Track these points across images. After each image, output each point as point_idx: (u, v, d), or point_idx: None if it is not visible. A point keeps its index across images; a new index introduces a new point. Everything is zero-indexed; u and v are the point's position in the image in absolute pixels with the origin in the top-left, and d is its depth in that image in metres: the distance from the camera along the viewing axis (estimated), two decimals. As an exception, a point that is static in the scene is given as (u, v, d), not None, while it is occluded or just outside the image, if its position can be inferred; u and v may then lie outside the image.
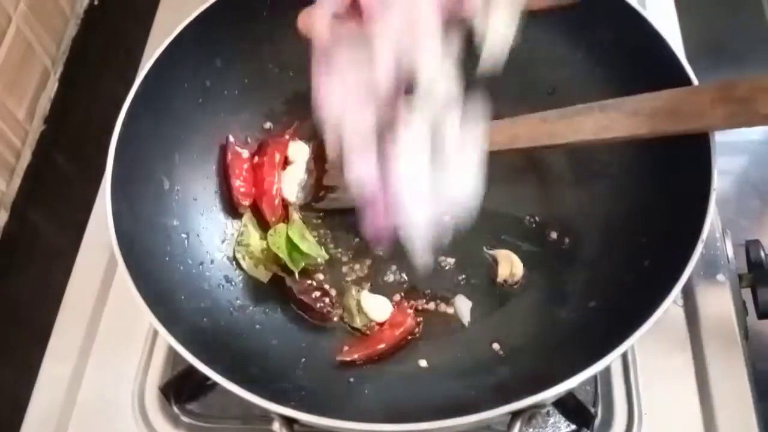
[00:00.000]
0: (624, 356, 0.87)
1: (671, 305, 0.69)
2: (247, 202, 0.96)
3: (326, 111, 0.71)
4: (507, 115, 1.01)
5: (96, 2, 1.33)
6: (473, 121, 0.75)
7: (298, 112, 1.01)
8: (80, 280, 0.97)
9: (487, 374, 0.81)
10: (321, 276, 0.92)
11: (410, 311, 0.88)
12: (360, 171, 0.72)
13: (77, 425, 0.87)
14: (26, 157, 1.15)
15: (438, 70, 0.69)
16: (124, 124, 0.82)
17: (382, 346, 0.84)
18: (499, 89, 1.02)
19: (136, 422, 0.86)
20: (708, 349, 0.87)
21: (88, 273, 0.97)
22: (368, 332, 0.87)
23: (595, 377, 0.85)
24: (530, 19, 0.97)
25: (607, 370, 0.86)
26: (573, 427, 0.83)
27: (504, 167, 0.93)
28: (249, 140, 1.00)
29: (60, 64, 1.25)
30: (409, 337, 0.87)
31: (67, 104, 1.21)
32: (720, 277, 0.91)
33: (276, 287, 0.91)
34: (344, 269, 0.93)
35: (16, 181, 1.13)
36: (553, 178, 0.97)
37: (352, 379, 0.83)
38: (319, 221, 0.97)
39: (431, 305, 0.90)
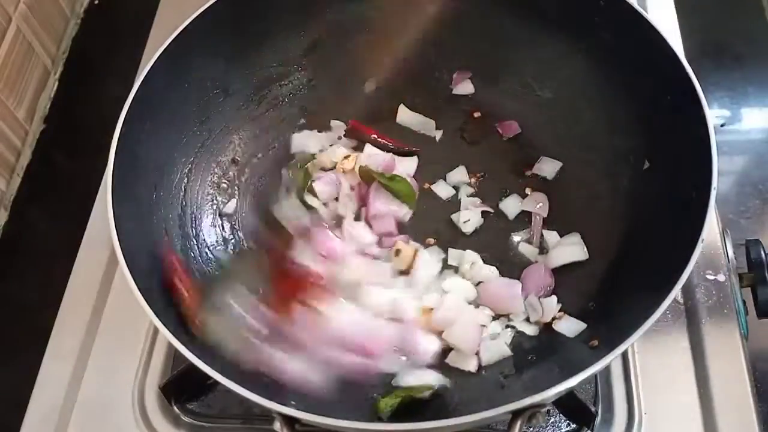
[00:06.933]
0: (624, 356, 0.87)
1: (671, 305, 0.69)
2: None
3: None
4: (508, 115, 1.02)
5: (96, 2, 1.33)
6: None
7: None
8: (80, 280, 0.97)
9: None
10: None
11: None
12: None
13: (77, 425, 0.87)
14: (26, 156, 1.15)
15: None
16: (125, 124, 0.82)
17: None
18: (500, 90, 1.03)
19: (136, 422, 0.86)
20: (708, 349, 0.87)
21: (88, 273, 0.97)
22: None
23: (595, 377, 0.85)
24: (530, 19, 0.97)
25: (607, 370, 0.86)
26: (573, 426, 0.83)
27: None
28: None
29: (60, 64, 1.25)
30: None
31: (67, 104, 1.21)
32: (720, 276, 0.91)
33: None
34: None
35: (16, 181, 1.13)
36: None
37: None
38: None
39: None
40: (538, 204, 0.95)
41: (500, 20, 0.99)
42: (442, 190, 0.98)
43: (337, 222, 0.94)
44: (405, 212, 0.95)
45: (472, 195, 0.97)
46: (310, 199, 0.95)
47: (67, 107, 1.21)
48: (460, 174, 0.99)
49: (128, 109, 0.83)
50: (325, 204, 0.95)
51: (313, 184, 0.96)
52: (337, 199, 0.96)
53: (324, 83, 1.06)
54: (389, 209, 0.94)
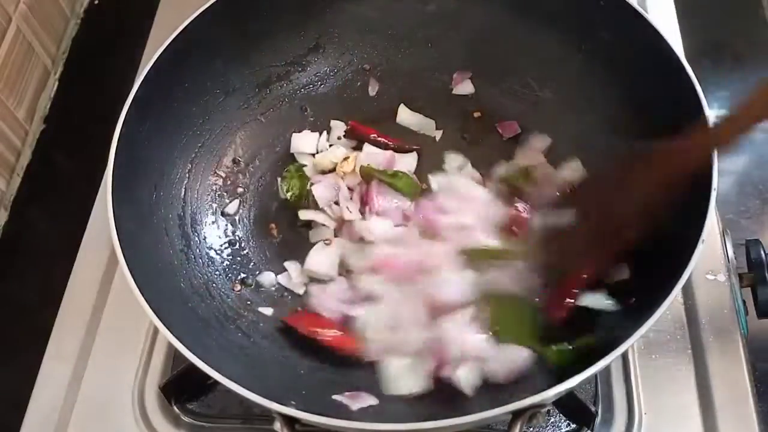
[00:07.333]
0: (624, 356, 0.87)
1: (672, 305, 0.69)
2: None
3: None
4: (508, 115, 1.02)
5: (96, 2, 1.33)
6: None
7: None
8: (80, 280, 0.97)
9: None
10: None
11: None
12: None
13: (77, 425, 0.87)
14: (26, 156, 1.15)
15: None
16: (125, 124, 0.82)
17: None
18: (500, 90, 1.03)
19: (136, 422, 0.86)
20: (708, 349, 0.87)
21: (88, 273, 0.97)
22: None
23: (595, 377, 0.85)
24: (531, 18, 0.97)
25: (607, 370, 0.86)
26: (573, 426, 0.84)
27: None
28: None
29: (60, 64, 1.25)
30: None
31: (67, 104, 1.21)
32: (720, 276, 0.91)
33: (280, 287, 0.92)
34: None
35: (16, 181, 1.13)
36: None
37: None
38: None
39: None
40: None
41: (500, 20, 0.99)
42: (442, 189, 0.98)
43: (339, 225, 0.95)
44: (408, 206, 0.95)
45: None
46: (305, 214, 0.95)
47: (67, 107, 1.21)
48: (456, 162, 0.99)
49: (128, 109, 0.83)
50: (323, 210, 0.95)
51: (312, 188, 0.95)
52: (337, 203, 0.96)
53: (324, 83, 1.06)
54: (393, 204, 0.94)
